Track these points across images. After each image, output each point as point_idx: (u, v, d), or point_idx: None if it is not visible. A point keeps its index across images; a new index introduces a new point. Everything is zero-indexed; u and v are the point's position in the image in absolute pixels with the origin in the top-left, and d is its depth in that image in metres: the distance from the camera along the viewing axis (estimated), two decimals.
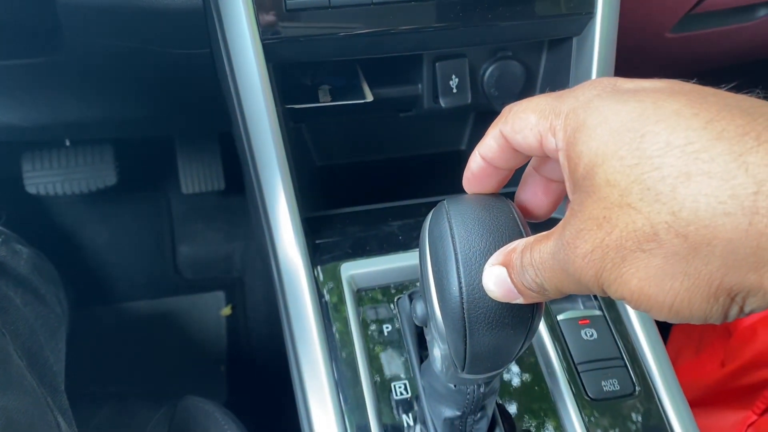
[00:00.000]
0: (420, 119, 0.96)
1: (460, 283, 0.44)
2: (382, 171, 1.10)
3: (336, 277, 0.77)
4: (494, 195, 0.49)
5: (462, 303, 0.44)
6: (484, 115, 1.05)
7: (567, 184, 0.40)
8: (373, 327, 0.75)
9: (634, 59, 1.03)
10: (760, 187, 0.29)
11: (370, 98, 0.87)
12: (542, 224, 0.50)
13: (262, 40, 0.73)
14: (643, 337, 0.74)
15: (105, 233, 1.76)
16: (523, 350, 0.49)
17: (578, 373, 0.71)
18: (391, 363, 0.73)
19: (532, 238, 0.42)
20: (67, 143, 1.53)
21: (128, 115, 1.09)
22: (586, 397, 0.70)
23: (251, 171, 0.82)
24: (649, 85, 0.38)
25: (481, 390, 0.55)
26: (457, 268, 0.45)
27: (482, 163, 0.47)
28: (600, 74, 0.83)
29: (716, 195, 0.30)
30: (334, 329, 0.73)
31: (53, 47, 0.87)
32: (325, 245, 0.81)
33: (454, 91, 0.89)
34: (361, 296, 0.77)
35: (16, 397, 0.60)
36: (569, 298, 0.81)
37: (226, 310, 1.72)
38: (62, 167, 1.57)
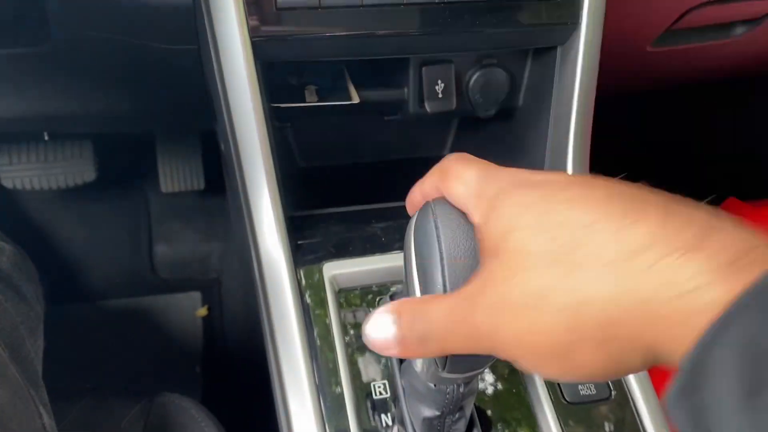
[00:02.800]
0: (404, 123, 0.97)
1: (444, 280, 0.46)
2: (365, 174, 1.11)
3: (318, 277, 0.78)
4: None
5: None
6: (466, 121, 1.06)
7: (480, 256, 0.44)
8: (353, 330, 0.75)
9: (617, 71, 1.05)
10: (632, 256, 0.35)
11: (356, 100, 0.87)
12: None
13: (251, 37, 0.74)
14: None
15: (81, 229, 1.74)
16: None
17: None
18: (370, 366, 0.73)
19: (429, 296, 0.46)
20: (46, 137, 1.52)
21: (111, 110, 1.08)
22: (563, 401, 0.71)
23: (235, 168, 0.82)
24: (553, 177, 0.43)
25: (461, 390, 0.56)
26: (442, 267, 0.46)
27: (422, 200, 0.51)
28: (583, 83, 0.84)
29: (601, 257, 0.36)
30: (315, 332, 0.74)
31: (40, 38, 0.87)
32: (307, 245, 0.81)
33: (440, 96, 0.89)
34: (343, 297, 0.78)
35: (1, 389, 0.60)
36: None
37: (202, 311, 1.71)
38: (40, 162, 1.55)
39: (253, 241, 0.80)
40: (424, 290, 0.48)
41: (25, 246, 1.43)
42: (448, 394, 0.56)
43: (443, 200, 0.49)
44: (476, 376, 0.56)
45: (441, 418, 0.59)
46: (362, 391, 0.72)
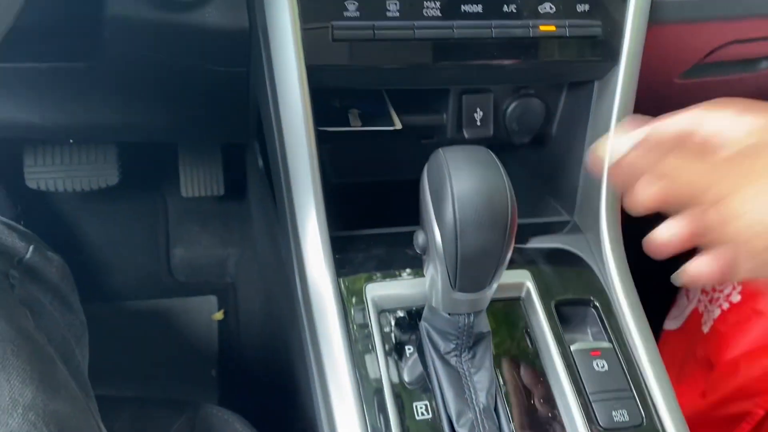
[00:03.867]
0: (439, 146, 0.99)
1: (454, 206, 0.61)
2: (396, 192, 1.13)
3: (361, 297, 0.80)
4: (480, 147, 0.66)
5: (455, 215, 0.61)
6: (494, 148, 1.09)
7: None
8: (395, 348, 0.78)
9: (643, 100, 1.08)
10: None
11: (399, 126, 0.90)
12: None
13: (307, 65, 0.76)
14: (650, 371, 0.79)
15: (100, 231, 1.76)
16: (502, 260, 0.64)
17: (590, 403, 0.75)
18: (413, 385, 0.76)
19: None
20: (71, 140, 1.54)
21: (146, 123, 1.10)
22: (598, 427, 0.74)
23: (283, 188, 0.85)
24: None
25: (471, 319, 0.70)
26: (452, 198, 0.61)
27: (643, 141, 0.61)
28: (619, 117, 0.87)
29: None
30: (359, 348, 0.76)
31: (93, 54, 0.89)
32: (350, 265, 0.84)
33: (478, 123, 0.93)
34: (385, 317, 0.80)
35: (65, 402, 0.62)
36: (580, 330, 0.85)
37: (218, 315, 1.73)
38: (65, 164, 1.57)
39: (297, 259, 0.83)
40: (438, 214, 0.63)
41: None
42: (460, 323, 0.70)
43: (452, 149, 0.65)
44: (482, 309, 0.71)
45: (456, 350, 0.72)
46: (407, 406, 0.75)
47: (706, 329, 1.40)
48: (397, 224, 0.92)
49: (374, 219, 0.95)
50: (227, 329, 1.72)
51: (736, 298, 1.35)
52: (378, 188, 1.13)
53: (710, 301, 1.44)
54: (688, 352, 1.47)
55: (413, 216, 0.81)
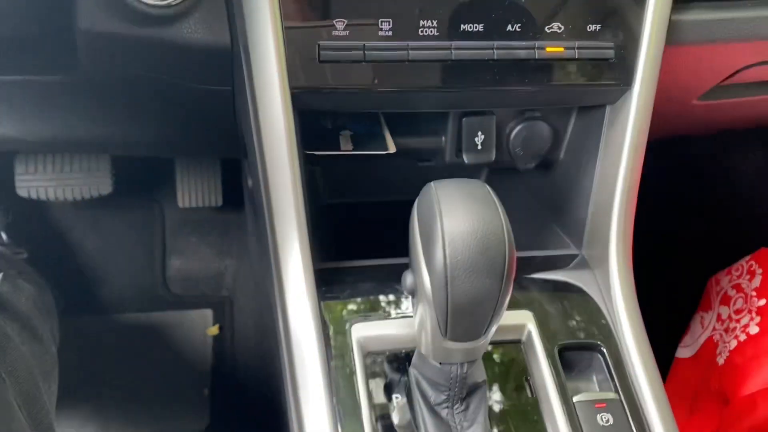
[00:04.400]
0: (437, 169, 0.93)
1: (444, 248, 0.55)
2: (389, 214, 1.07)
3: (345, 338, 0.74)
4: (475, 181, 0.60)
5: (445, 258, 0.55)
6: (496, 172, 1.03)
7: None
8: (382, 396, 0.72)
9: (659, 122, 1.02)
10: None
11: (392, 150, 0.84)
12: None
13: (291, 88, 0.70)
14: (660, 427, 0.72)
15: (95, 241, 1.71)
16: (499, 308, 0.57)
17: None
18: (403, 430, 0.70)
19: None
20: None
21: (133, 139, 1.05)
22: None
23: (265, 215, 0.79)
24: None
25: (464, 369, 0.63)
26: (443, 239, 0.55)
27: None
28: (634, 142, 0.80)
29: None
30: (343, 395, 0.70)
31: (68, 67, 0.84)
32: (335, 301, 0.78)
33: (479, 147, 0.86)
34: (371, 361, 0.74)
35: None
36: (585, 377, 0.78)
37: (213, 330, 1.68)
38: (56, 173, 1.52)
39: (279, 295, 0.77)
40: (427, 256, 0.57)
41: (36, 256, 1.41)
42: (452, 373, 0.63)
43: (443, 183, 0.59)
44: (477, 354, 0.64)
45: (448, 402, 0.66)
46: None
47: (721, 360, 1.33)
48: (389, 253, 0.86)
49: (365, 245, 0.89)
50: (222, 345, 1.66)
51: (755, 330, 1.28)
52: (371, 209, 1.07)
53: (726, 331, 1.36)
54: (701, 383, 1.39)
55: (406, 244, 0.75)
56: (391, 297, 0.79)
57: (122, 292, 1.70)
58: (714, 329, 1.41)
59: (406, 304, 0.79)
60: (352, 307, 0.78)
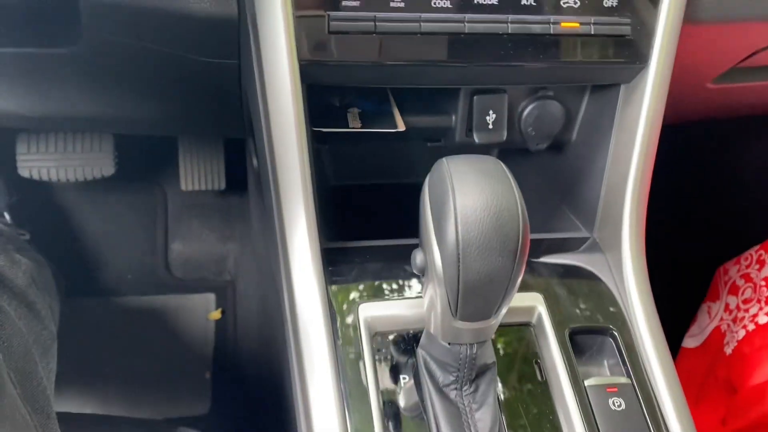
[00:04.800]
0: (446, 150, 0.91)
1: (456, 224, 0.53)
2: (397, 196, 1.06)
3: (353, 318, 0.73)
4: (488, 157, 0.58)
5: (457, 235, 0.53)
6: (507, 152, 1.01)
7: None
8: (389, 377, 0.70)
9: (673, 105, 1.00)
10: None
11: (402, 128, 0.82)
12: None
13: (299, 61, 0.68)
14: (673, 412, 0.70)
15: (96, 223, 1.70)
16: (511, 288, 0.56)
17: None
18: (407, 419, 0.68)
19: None
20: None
21: (136, 115, 1.03)
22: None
23: (272, 193, 0.77)
24: None
25: (474, 350, 0.61)
26: (455, 215, 0.53)
27: None
28: (649, 123, 0.78)
29: None
30: (349, 375, 0.69)
31: (70, 39, 0.82)
32: (343, 281, 0.76)
33: (490, 127, 0.84)
34: (378, 341, 0.73)
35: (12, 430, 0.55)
36: (596, 361, 0.77)
37: (216, 314, 1.66)
38: (58, 152, 1.50)
39: (286, 273, 0.75)
40: (438, 234, 0.55)
41: (38, 237, 1.39)
42: (461, 354, 0.61)
43: (456, 159, 0.57)
44: (488, 334, 0.62)
45: (456, 383, 0.64)
46: None
47: (728, 350, 1.32)
48: (397, 234, 0.84)
49: (373, 226, 0.87)
50: (224, 329, 1.65)
51: (763, 319, 1.26)
52: (379, 191, 1.05)
53: (734, 321, 1.35)
54: (708, 372, 1.38)
55: (414, 226, 0.74)
56: (399, 277, 0.78)
57: (124, 275, 1.69)
58: (722, 319, 1.39)
59: (414, 284, 0.77)
60: (359, 286, 0.76)
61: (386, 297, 0.75)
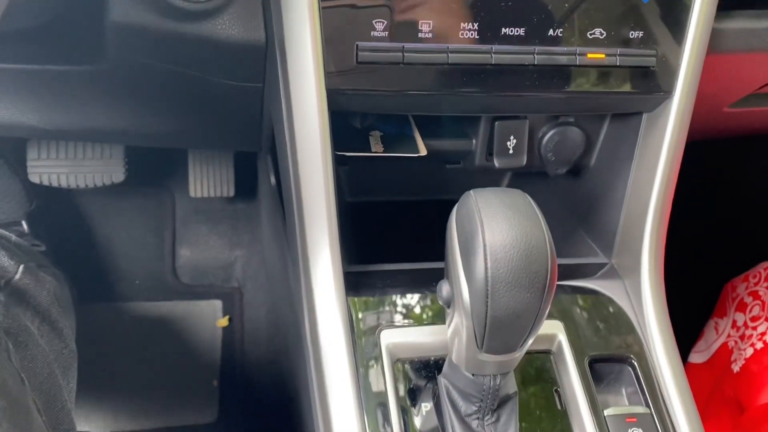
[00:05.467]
0: (465, 172, 0.92)
1: (486, 260, 0.54)
2: (414, 213, 1.06)
3: (375, 344, 0.73)
4: (516, 191, 0.59)
5: (486, 271, 0.54)
6: (520, 175, 1.01)
7: None
8: (410, 405, 0.71)
9: (690, 127, 1.00)
10: None
11: (423, 152, 0.83)
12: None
13: (327, 88, 0.69)
14: None
15: (105, 228, 1.70)
16: (538, 323, 0.56)
17: None
18: None
19: None
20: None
21: (153, 131, 1.03)
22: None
23: (294, 214, 0.77)
24: None
25: (497, 381, 0.62)
26: (485, 251, 0.54)
27: None
28: (671, 151, 0.79)
29: None
30: (371, 401, 0.69)
31: (94, 58, 0.82)
32: (365, 307, 0.76)
33: (510, 152, 0.85)
34: (400, 368, 0.73)
35: None
36: (614, 389, 0.77)
37: (223, 321, 1.66)
38: (69, 159, 1.50)
39: (307, 296, 0.76)
40: (467, 267, 0.55)
41: (47, 243, 1.39)
42: (485, 385, 0.62)
43: (484, 192, 0.58)
44: (511, 367, 0.63)
45: (479, 413, 0.65)
46: None
47: (736, 368, 1.32)
48: (413, 253, 0.84)
49: (389, 244, 0.87)
50: (231, 337, 1.65)
51: None
52: (394, 208, 1.05)
53: (741, 338, 1.35)
54: (714, 389, 1.39)
55: (432, 246, 0.74)
56: (421, 303, 0.78)
57: (131, 280, 1.69)
58: (729, 336, 1.40)
59: (437, 310, 0.78)
60: (381, 312, 0.76)
61: (408, 324, 0.76)
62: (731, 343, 1.38)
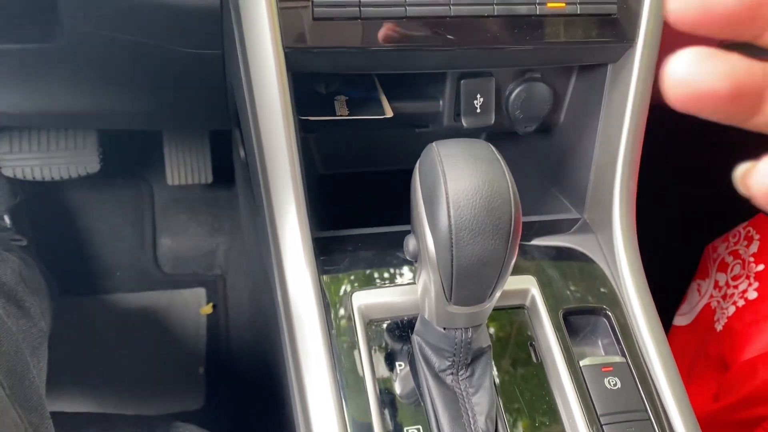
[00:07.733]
0: (435, 135, 0.91)
1: (448, 208, 0.53)
2: (387, 184, 1.05)
3: (347, 306, 0.72)
4: (479, 141, 0.58)
5: (449, 219, 0.53)
6: (495, 136, 1.01)
7: None
8: (385, 364, 0.70)
9: (658, 87, 1.00)
10: None
11: (389, 114, 0.82)
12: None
13: (284, 48, 0.68)
14: (668, 388, 0.71)
15: (83, 221, 1.68)
16: (504, 271, 0.56)
17: (602, 426, 0.67)
18: (405, 410, 0.68)
19: None
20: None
21: (120, 110, 1.02)
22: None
23: (260, 184, 0.76)
24: None
25: (469, 334, 0.62)
26: (447, 200, 0.53)
27: None
28: (637, 102, 0.78)
29: None
30: (345, 364, 0.68)
31: (49, 34, 0.81)
32: (335, 270, 0.75)
33: (478, 111, 0.84)
34: (373, 329, 0.72)
35: None
36: (590, 342, 0.77)
37: (207, 309, 1.65)
38: (42, 151, 1.48)
39: (277, 264, 0.75)
40: (431, 218, 0.55)
41: (30, 238, 1.37)
42: (457, 338, 0.63)
43: (447, 141, 0.57)
44: (482, 318, 0.62)
45: (453, 368, 0.65)
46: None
47: (719, 327, 1.33)
48: (387, 222, 0.83)
49: (363, 215, 0.87)
50: (216, 323, 1.64)
51: (753, 295, 1.27)
52: (368, 179, 1.04)
53: (723, 298, 1.36)
54: (699, 350, 1.39)
55: (405, 213, 0.73)
56: (392, 264, 0.77)
57: (112, 272, 1.67)
58: (711, 296, 1.40)
59: (407, 271, 0.77)
60: (352, 275, 0.76)
61: (380, 285, 0.75)
62: (714, 303, 1.38)
